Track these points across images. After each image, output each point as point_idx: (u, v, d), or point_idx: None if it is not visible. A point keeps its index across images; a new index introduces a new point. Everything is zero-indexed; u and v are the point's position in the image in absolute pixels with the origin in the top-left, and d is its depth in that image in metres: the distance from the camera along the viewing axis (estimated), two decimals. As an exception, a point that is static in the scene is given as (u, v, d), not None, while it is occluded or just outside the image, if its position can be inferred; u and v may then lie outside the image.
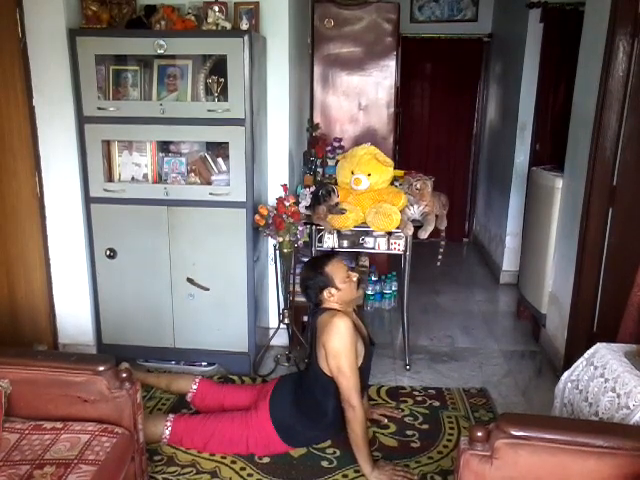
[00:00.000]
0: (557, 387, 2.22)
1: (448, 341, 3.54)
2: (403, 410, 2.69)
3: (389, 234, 3.02)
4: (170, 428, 2.32)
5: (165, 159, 2.91)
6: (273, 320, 3.29)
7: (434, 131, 5.72)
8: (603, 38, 2.67)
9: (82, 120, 2.80)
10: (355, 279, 2.40)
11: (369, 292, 4.01)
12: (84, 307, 3.08)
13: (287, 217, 2.82)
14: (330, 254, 2.50)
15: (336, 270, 2.36)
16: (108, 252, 2.94)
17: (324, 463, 2.30)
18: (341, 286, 2.34)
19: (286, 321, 3.10)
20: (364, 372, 2.34)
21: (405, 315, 3.20)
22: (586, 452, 1.46)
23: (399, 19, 4.00)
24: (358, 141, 3.87)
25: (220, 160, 2.92)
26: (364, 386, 2.41)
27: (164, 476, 2.21)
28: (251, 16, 2.85)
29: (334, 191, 2.90)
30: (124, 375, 1.86)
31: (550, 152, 4.07)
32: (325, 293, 2.34)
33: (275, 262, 3.12)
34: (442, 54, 5.47)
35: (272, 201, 3.00)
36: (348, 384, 2.18)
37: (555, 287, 3.27)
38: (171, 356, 3.07)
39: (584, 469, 1.47)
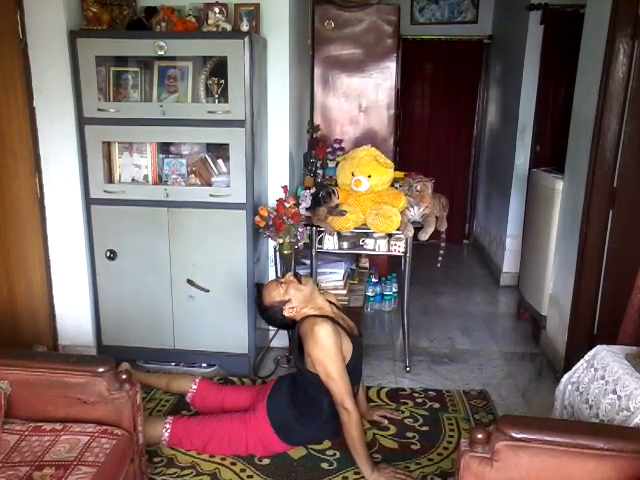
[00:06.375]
0: (557, 389, 2.21)
1: (448, 343, 3.54)
2: (403, 412, 2.69)
3: (389, 236, 3.02)
4: (169, 430, 2.31)
5: (165, 160, 2.91)
6: (273, 321, 3.29)
7: (434, 133, 5.72)
8: (603, 40, 2.67)
9: (82, 121, 2.80)
10: (290, 278, 2.40)
11: (369, 293, 4.01)
12: (84, 308, 3.08)
13: (287, 219, 2.82)
14: (258, 288, 2.49)
15: (270, 293, 2.40)
16: (108, 253, 2.94)
17: (324, 465, 2.29)
18: (288, 296, 2.35)
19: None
20: (355, 366, 2.33)
21: (405, 317, 3.19)
22: (586, 454, 1.46)
23: (399, 21, 4.01)
24: (358, 143, 3.87)
25: (220, 161, 2.92)
26: (357, 380, 2.41)
27: (164, 478, 2.20)
28: (251, 18, 2.86)
29: (334, 193, 2.90)
30: (124, 376, 1.86)
31: (550, 154, 4.07)
32: (287, 313, 2.36)
33: (275, 264, 3.12)
34: (442, 56, 5.48)
35: (272, 202, 3.00)
36: (339, 389, 2.18)
37: (555, 289, 3.26)
38: (171, 357, 3.07)
39: (584, 471, 1.47)
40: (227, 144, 2.78)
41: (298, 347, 2.30)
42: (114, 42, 2.74)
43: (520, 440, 1.48)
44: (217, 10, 2.71)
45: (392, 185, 3.13)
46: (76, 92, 2.78)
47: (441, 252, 3.17)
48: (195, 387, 2.57)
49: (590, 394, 1.96)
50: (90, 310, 3.08)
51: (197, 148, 2.95)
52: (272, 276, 3.19)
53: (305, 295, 2.36)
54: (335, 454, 2.35)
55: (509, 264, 4.56)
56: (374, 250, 3.09)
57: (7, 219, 2.87)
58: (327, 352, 2.17)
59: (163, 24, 2.72)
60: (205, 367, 3.06)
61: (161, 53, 2.67)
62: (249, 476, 2.22)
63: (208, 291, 2.93)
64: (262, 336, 3.19)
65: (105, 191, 2.87)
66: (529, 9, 4.03)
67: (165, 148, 2.95)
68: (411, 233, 2.91)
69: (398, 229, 2.89)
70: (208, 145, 2.94)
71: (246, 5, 2.88)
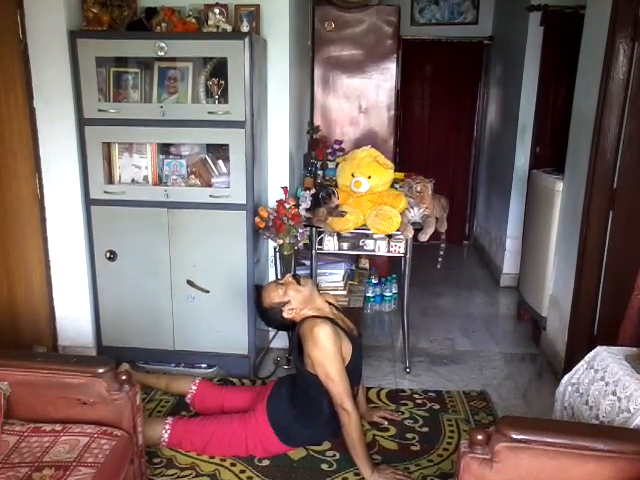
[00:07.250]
0: (557, 390, 2.21)
1: (448, 344, 3.54)
2: (403, 413, 2.69)
3: (389, 237, 3.02)
4: (169, 431, 2.31)
5: (165, 161, 2.91)
6: (273, 322, 3.28)
7: (434, 133, 5.72)
8: (603, 41, 2.67)
9: (82, 122, 2.80)
10: (289, 279, 2.40)
11: (369, 294, 4.01)
12: (84, 309, 3.08)
13: (287, 219, 2.82)
14: (257, 290, 2.49)
15: (269, 294, 2.39)
16: (108, 254, 2.94)
17: (324, 466, 2.29)
18: (287, 298, 2.35)
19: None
20: (355, 367, 2.33)
21: (405, 317, 3.19)
22: (586, 456, 1.46)
23: (399, 22, 4.01)
24: (358, 143, 3.86)
25: (220, 162, 2.92)
26: (357, 380, 2.41)
27: (163, 479, 2.20)
28: (252, 18, 2.86)
29: (334, 193, 2.90)
30: (123, 377, 1.86)
31: (550, 155, 4.06)
32: (286, 314, 2.36)
33: (275, 264, 3.12)
34: (442, 57, 5.48)
35: (272, 203, 3.00)
36: (338, 390, 2.18)
37: (555, 290, 3.26)
38: (171, 358, 3.06)
39: (584, 473, 1.47)
40: (227, 145, 2.78)
41: (298, 348, 2.30)
42: (114, 43, 2.74)
43: (520, 441, 1.48)
44: (217, 11, 2.71)
45: (392, 186, 3.13)
46: (76, 93, 2.78)
47: (441, 253, 3.17)
48: (195, 388, 2.56)
49: (590, 395, 1.96)
50: (90, 311, 3.08)
51: (197, 149, 2.95)
52: (272, 277, 3.19)
53: (304, 296, 2.36)
54: (335, 455, 2.35)
55: (509, 265, 4.56)
56: (374, 251, 3.09)
57: (7, 219, 2.87)
58: (326, 353, 2.16)
59: (163, 25, 2.72)
60: (205, 368, 3.05)
61: (161, 54, 2.67)
62: (249, 477, 2.22)
63: (208, 292, 2.93)
64: (262, 337, 3.19)
65: (105, 192, 2.87)
66: (529, 10, 4.03)
67: (165, 149, 2.95)
68: (411, 234, 2.90)
69: (398, 230, 2.89)
70: (208, 146, 2.94)
71: (246, 6, 2.88)
